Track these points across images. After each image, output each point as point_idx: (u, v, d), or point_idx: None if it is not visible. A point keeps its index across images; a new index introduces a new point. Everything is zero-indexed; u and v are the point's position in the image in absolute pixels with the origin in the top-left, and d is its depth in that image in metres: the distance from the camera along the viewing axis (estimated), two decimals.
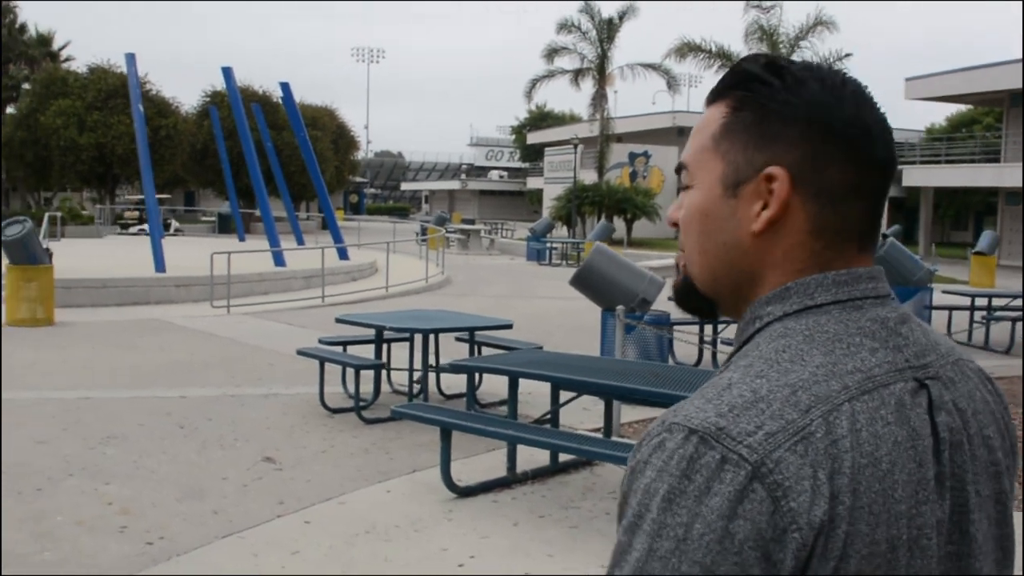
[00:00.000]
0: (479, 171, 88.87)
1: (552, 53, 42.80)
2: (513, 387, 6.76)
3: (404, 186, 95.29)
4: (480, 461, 7.09)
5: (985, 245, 25.05)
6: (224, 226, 40.75)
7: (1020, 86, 33.52)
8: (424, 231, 37.80)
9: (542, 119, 75.19)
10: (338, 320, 8.97)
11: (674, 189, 50.86)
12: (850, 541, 0.88)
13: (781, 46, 33.17)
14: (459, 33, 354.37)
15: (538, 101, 74.48)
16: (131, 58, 19.59)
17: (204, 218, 49.15)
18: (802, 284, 1.00)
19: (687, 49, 34.03)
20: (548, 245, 30.93)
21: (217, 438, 7.56)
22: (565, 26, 42.02)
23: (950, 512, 0.95)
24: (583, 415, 8.37)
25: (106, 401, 8.80)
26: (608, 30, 42.40)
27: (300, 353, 8.82)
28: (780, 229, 1.00)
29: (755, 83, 1.02)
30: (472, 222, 46.93)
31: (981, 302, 14.18)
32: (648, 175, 49.90)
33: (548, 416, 7.21)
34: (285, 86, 22.48)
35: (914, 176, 37.64)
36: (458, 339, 9.65)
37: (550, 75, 43.47)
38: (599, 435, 7.58)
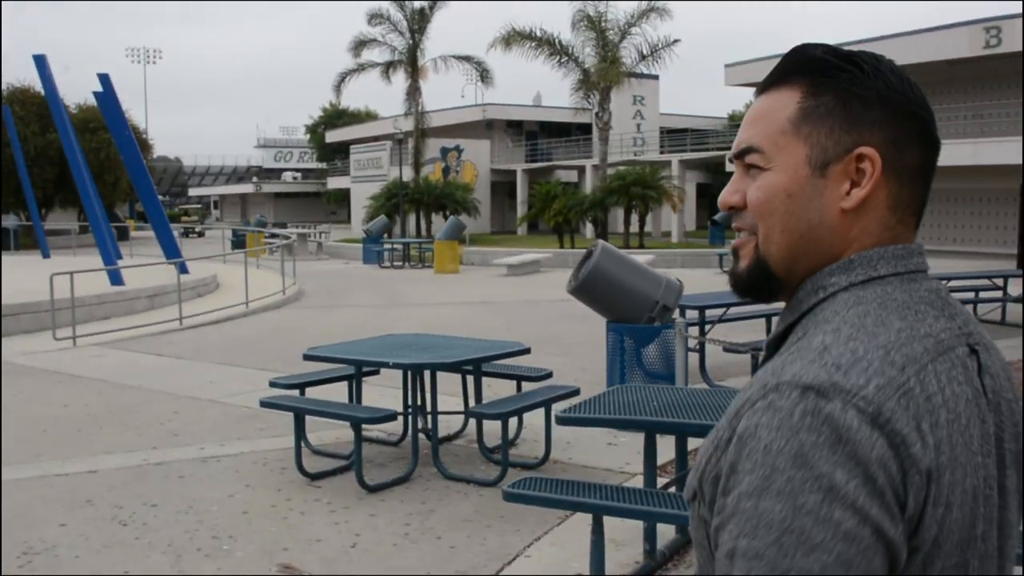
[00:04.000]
0: (268, 173, 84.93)
1: (360, 45, 40.40)
2: (651, 445, 4.93)
3: (192, 191, 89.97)
4: (559, 538, 5.25)
5: None
6: (10, 241, 36.10)
7: None
8: (240, 239, 34.85)
9: (338, 117, 72.18)
10: (307, 356, 6.81)
11: (487, 183, 49.67)
12: (951, 489, 0.96)
13: (610, 33, 32.24)
14: (234, 35, 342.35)
15: (332, 99, 71.45)
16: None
17: None
18: (865, 257, 1.08)
19: (516, 37, 32.50)
20: (387, 247, 28.77)
21: (186, 538, 5.35)
22: (376, 16, 39.75)
23: (996, 466, 1.03)
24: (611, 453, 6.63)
25: None
26: (420, 20, 40.47)
27: (266, 405, 6.60)
28: (865, 206, 1.08)
29: (832, 70, 1.09)
30: (284, 225, 44.05)
31: None
32: (461, 170, 48.40)
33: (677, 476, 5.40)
34: (104, 78, 19.33)
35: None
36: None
37: (360, 69, 41.07)
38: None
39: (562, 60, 32.58)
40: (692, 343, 9.67)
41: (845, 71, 1.07)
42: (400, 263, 28.18)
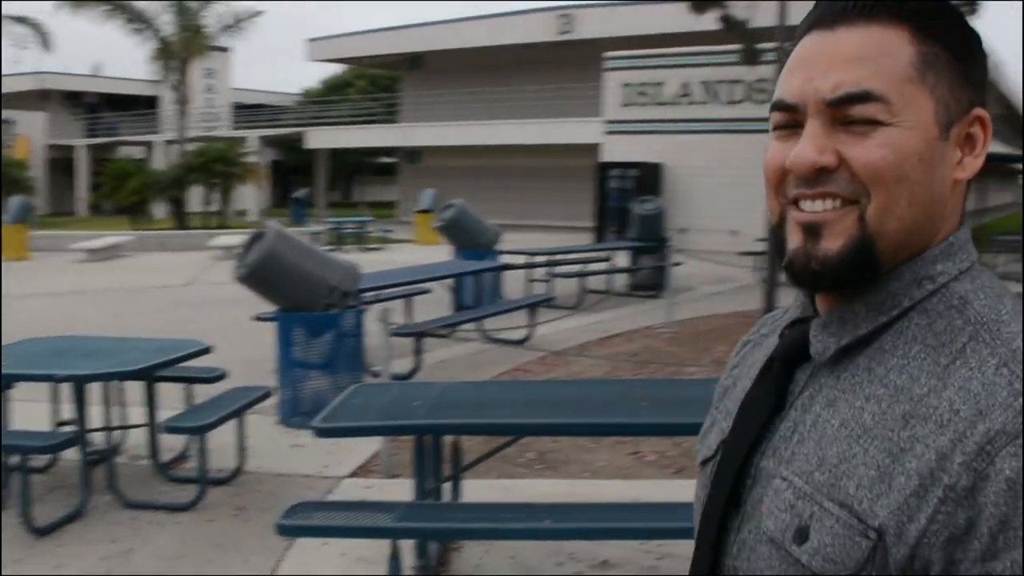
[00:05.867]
0: None
1: None
2: (420, 451, 4.38)
3: None
4: (299, 564, 4.62)
5: (429, 203, 25.38)
6: None
7: (416, 50, 34.50)
8: None
9: None
10: None
11: (43, 159, 45.14)
12: None
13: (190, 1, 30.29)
14: None
15: None
16: None
17: None
18: (960, 240, 0.92)
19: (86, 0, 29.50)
20: None
21: None
22: None
23: None
24: (302, 456, 6.05)
25: None
26: None
27: None
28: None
29: (942, 13, 0.90)
30: None
31: (542, 259, 13.90)
32: (13, 144, 43.63)
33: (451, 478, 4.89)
34: None
35: (319, 138, 36.97)
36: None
37: None
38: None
39: (139, 27, 30.13)
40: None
41: (956, 16, 0.91)
42: None
